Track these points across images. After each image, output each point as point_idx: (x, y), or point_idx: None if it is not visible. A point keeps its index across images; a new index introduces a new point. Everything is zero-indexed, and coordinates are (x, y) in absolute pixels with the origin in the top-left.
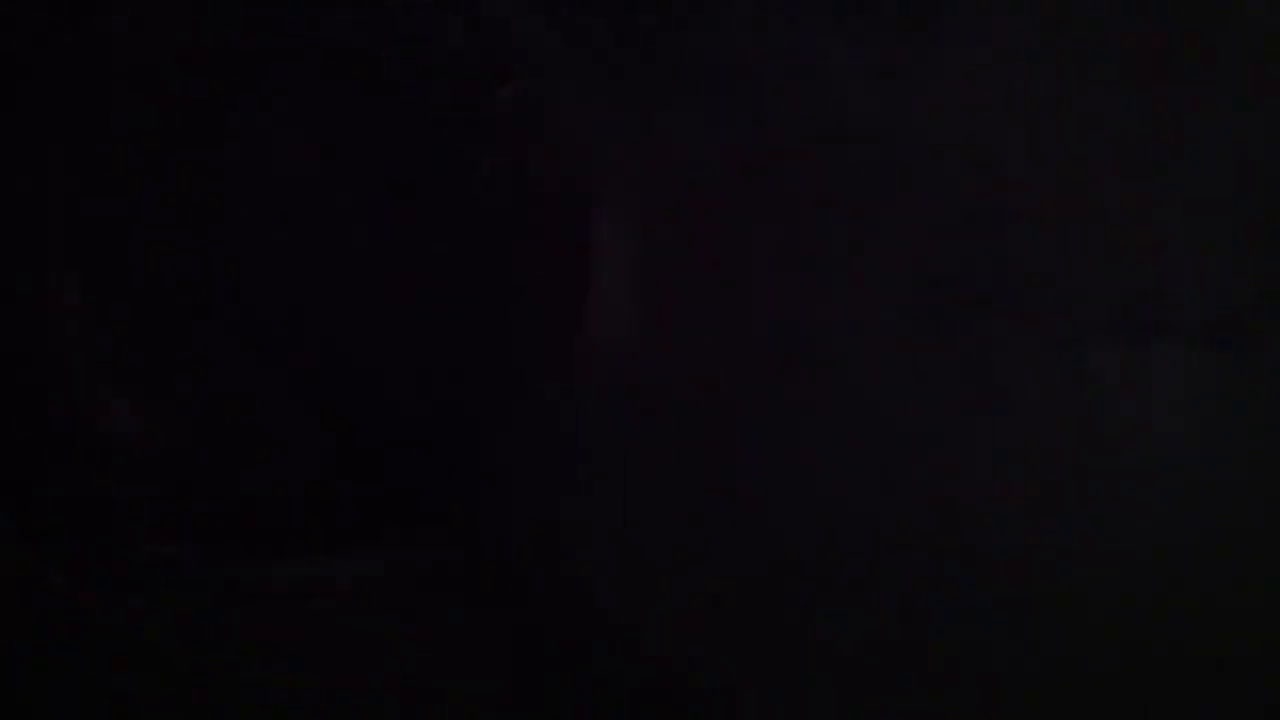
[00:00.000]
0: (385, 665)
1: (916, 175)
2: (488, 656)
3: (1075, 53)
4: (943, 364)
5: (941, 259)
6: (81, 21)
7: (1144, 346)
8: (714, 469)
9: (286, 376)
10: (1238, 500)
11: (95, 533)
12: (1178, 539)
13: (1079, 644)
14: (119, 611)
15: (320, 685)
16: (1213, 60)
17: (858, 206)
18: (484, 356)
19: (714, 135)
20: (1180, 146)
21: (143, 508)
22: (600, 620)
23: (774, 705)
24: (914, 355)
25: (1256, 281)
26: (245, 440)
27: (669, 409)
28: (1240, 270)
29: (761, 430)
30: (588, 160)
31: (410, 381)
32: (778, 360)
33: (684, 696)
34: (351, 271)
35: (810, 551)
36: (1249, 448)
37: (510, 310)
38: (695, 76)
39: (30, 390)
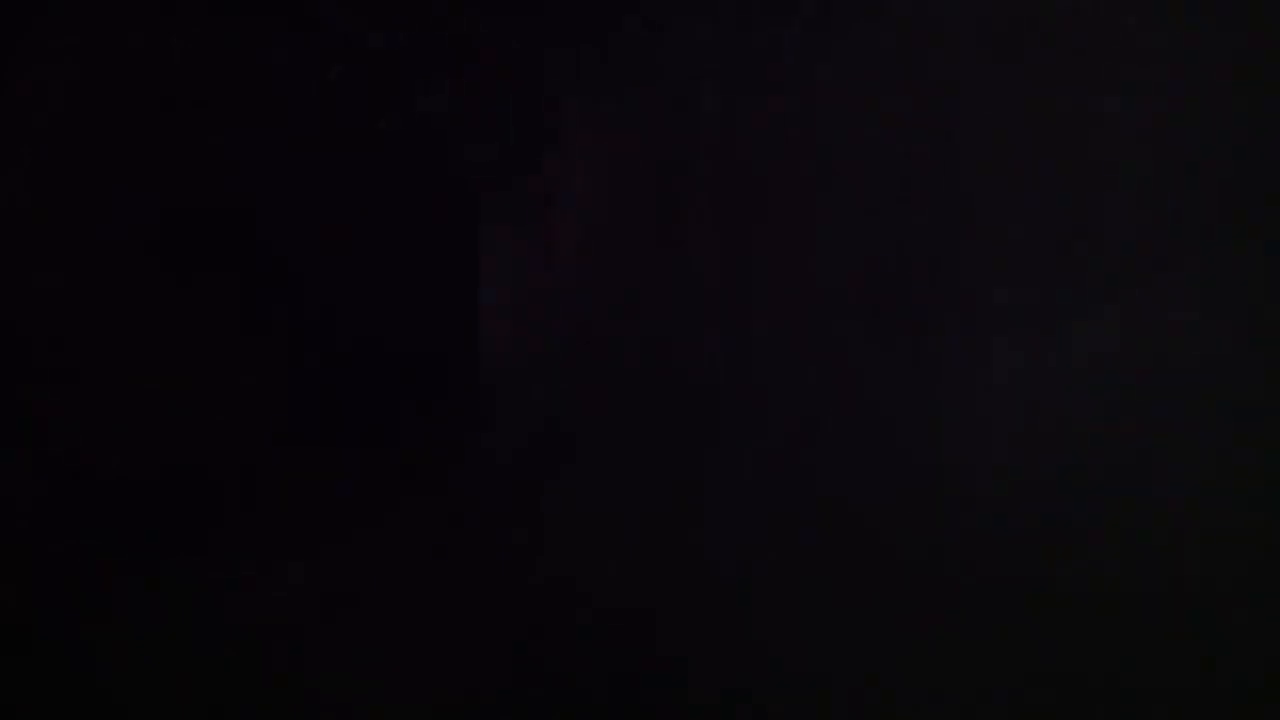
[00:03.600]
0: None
1: (828, 174)
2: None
3: (958, 56)
4: (887, 350)
5: (873, 249)
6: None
7: (979, 336)
8: (664, 457)
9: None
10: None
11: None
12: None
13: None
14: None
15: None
16: (1069, 57)
17: (791, 203)
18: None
19: (648, 132)
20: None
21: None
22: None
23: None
24: (861, 340)
25: (1075, 278)
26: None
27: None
28: (1063, 267)
29: (711, 417)
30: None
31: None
32: (721, 346)
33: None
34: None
35: (782, 536)
36: (1067, 433)
37: (456, 298)
38: (638, 74)
39: None
